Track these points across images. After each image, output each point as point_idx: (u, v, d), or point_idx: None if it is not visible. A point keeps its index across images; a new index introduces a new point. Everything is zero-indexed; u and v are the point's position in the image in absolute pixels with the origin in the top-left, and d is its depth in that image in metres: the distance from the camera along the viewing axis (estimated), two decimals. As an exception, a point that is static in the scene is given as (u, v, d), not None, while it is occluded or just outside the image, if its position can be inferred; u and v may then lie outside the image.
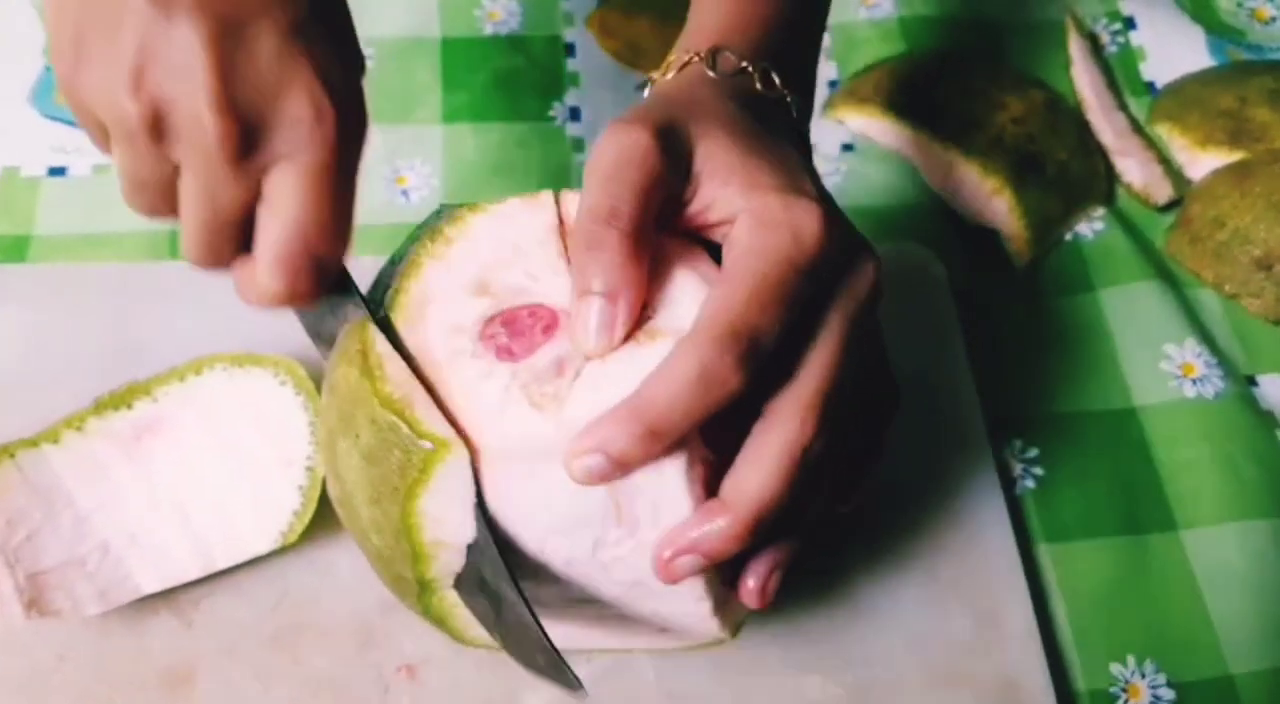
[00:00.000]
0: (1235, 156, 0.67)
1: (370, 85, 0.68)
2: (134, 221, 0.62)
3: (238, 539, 0.51)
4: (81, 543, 0.50)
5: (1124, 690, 0.53)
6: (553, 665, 0.39)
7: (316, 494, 0.50)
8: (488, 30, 0.73)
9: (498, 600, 0.39)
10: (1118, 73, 0.74)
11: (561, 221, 0.41)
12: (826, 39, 0.74)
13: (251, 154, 0.37)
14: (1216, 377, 0.61)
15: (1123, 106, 0.72)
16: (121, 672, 0.49)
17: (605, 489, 0.37)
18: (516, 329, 0.38)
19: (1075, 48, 0.73)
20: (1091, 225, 0.67)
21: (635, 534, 0.38)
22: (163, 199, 0.39)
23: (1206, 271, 0.65)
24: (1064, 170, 0.67)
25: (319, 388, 0.50)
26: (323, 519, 0.51)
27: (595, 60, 0.73)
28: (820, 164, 0.69)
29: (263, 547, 0.50)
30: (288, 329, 0.52)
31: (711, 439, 0.38)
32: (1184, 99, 0.71)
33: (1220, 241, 0.65)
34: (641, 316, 0.38)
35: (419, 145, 0.67)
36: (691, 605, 0.40)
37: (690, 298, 0.38)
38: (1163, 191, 0.68)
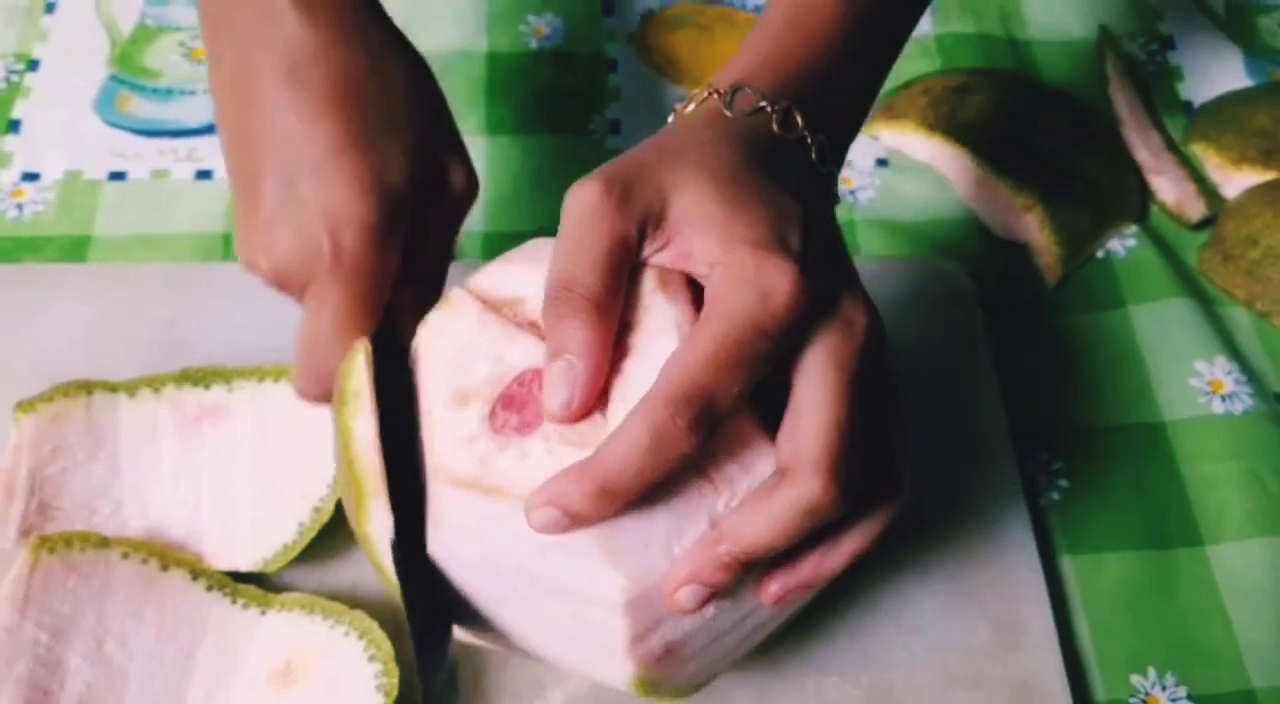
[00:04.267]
0: (1269, 176, 0.68)
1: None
2: (188, 224, 0.66)
3: (229, 548, 0.52)
4: (103, 494, 0.51)
5: (1144, 701, 0.53)
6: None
7: (310, 536, 0.51)
8: (533, 45, 0.75)
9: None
10: (1156, 92, 0.75)
11: (483, 301, 0.41)
12: (863, 56, 0.76)
13: (291, 290, 0.45)
14: (1246, 394, 0.62)
15: (1158, 125, 0.72)
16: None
17: (691, 472, 0.38)
18: (519, 403, 0.39)
19: (1112, 67, 0.74)
20: (1124, 242, 0.68)
21: (735, 489, 0.39)
22: None
23: (1238, 289, 0.66)
24: (1096, 187, 0.68)
25: None
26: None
27: (636, 75, 0.74)
28: (855, 178, 0.70)
29: (245, 564, 0.51)
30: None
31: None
32: (1219, 118, 0.72)
33: (1253, 260, 0.65)
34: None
35: (463, 155, 0.69)
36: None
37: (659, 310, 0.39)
38: (1196, 209, 0.68)
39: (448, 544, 0.40)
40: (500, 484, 0.38)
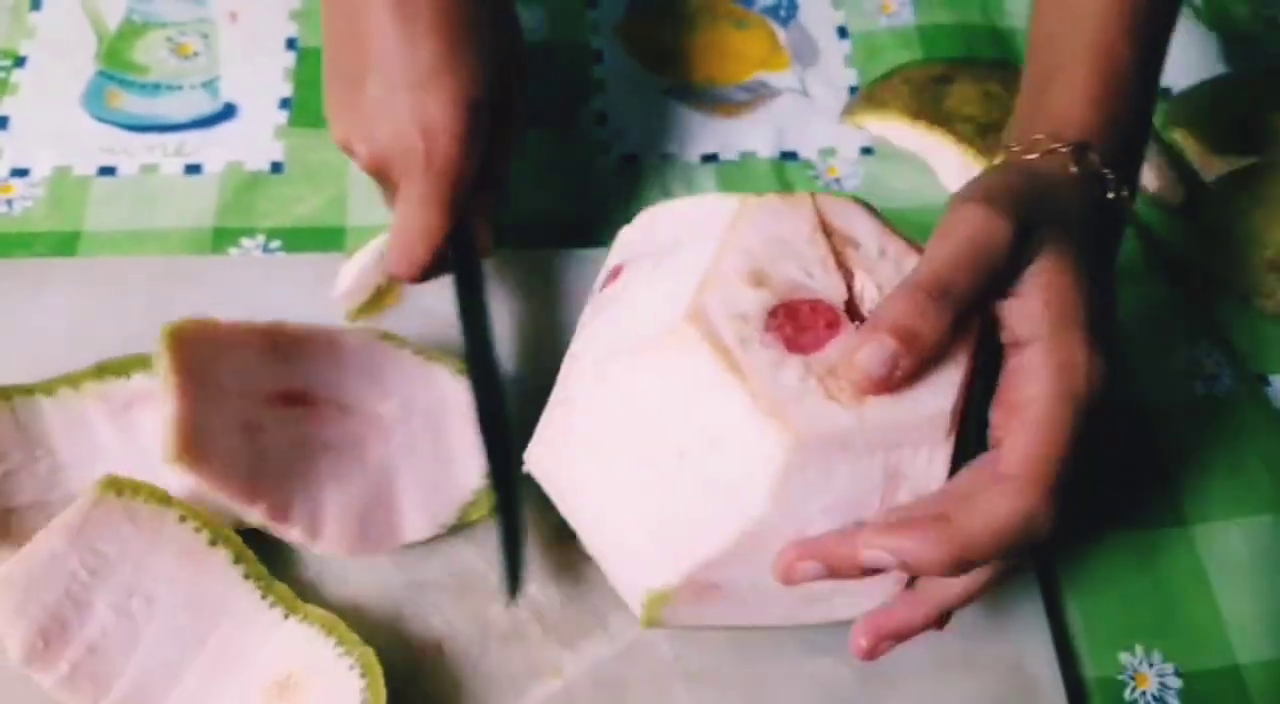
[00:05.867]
0: (1249, 161, 0.69)
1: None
2: (177, 219, 0.66)
3: None
4: (53, 490, 0.51)
5: (1132, 678, 0.54)
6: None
7: None
8: (518, 38, 0.75)
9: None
10: (1134, 79, 0.76)
11: (823, 223, 0.43)
12: (847, 46, 0.76)
13: (382, 177, 0.53)
14: (1228, 376, 0.63)
15: (1138, 112, 0.73)
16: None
17: (880, 478, 0.39)
18: (801, 323, 0.40)
19: (1092, 55, 0.75)
20: (1106, 227, 0.68)
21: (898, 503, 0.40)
22: None
23: (1219, 273, 0.66)
24: (1078, 173, 0.69)
25: None
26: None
27: (622, 67, 0.75)
28: (840, 167, 0.71)
29: None
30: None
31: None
32: (1199, 104, 0.73)
33: (1233, 243, 0.66)
34: None
35: (451, 148, 0.70)
36: (890, 585, 0.43)
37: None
38: (1176, 195, 0.69)
39: (634, 373, 0.41)
40: (743, 368, 0.39)
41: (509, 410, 0.52)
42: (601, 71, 0.75)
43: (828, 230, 0.43)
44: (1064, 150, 0.45)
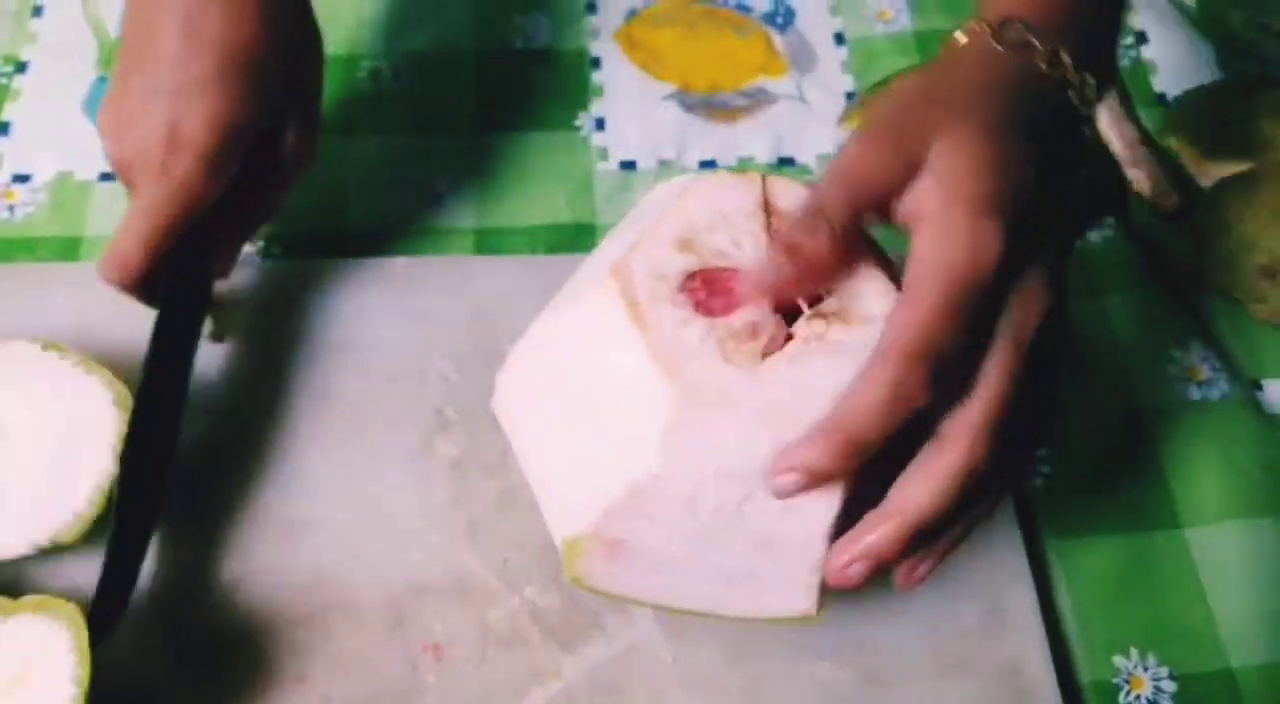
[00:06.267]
0: (1243, 167, 0.69)
1: (407, 96, 0.72)
2: (180, 224, 0.66)
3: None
4: None
5: (1127, 681, 0.55)
6: None
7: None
8: (518, 44, 0.76)
9: None
10: (1129, 85, 0.76)
11: (766, 201, 0.44)
12: (845, 52, 0.77)
13: (123, 177, 0.52)
14: (1222, 380, 0.63)
15: (1133, 117, 0.74)
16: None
17: (769, 452, 0.40)
18: (716, 288, 0.42)
19: (1087, 61, 0.75)
20: (1101, 232, 0.69)
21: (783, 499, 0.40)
22: None
23: (1213, 278, 0.67)
24: (1074, 179, 0.69)
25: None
26: (353, 502, 0.53)
27: (621, 72, 0.75)
28: (837, 173, 0.71)
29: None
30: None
31: None
32: (1194, 111, 0.73)
33: (1227, 249, 0.66)
34: (826, 303, 0.42)
35: (452, 153, 0.70)
36: (805, 575, 0.43)
37: (876, 293, 0.42)
38: (1171, 200, 0.70)
39: (561, 326, 0.43)
40: (648, 322, 0.41)
41: (164, 442, 0.53)
42: (601, 77, 0.75)
43: (770, 209, 0.44)
44: (986, 30, 0.45)
